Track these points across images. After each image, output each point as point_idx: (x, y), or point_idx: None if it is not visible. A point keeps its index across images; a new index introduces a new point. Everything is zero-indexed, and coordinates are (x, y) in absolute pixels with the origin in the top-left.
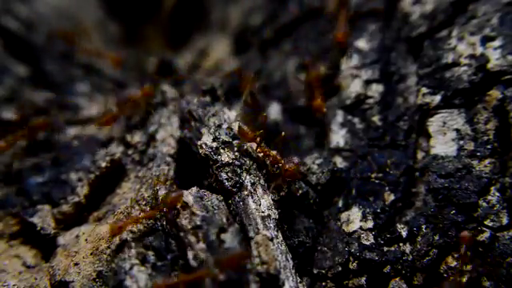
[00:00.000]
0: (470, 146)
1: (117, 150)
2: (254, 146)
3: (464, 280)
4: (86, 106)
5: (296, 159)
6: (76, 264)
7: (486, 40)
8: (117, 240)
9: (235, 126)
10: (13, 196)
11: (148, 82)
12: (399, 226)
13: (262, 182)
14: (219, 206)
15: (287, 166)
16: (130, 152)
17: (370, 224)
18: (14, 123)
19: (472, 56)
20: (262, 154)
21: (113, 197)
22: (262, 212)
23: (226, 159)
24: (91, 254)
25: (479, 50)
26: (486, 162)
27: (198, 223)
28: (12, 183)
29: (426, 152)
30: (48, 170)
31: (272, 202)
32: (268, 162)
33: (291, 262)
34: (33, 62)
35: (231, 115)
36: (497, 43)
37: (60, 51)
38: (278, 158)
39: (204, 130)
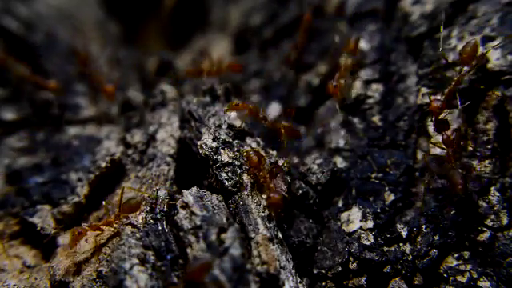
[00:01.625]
0: (470, 146)
1: (117, 149)
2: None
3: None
4: (85, 106)
5: (283, 188)
6: (76, 264)
7: (485, 40)
8: (117, 240)
9: (236, 125)
10: (13, 196)
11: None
12: (399, 225)
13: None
14: (219, 206)
15: (271, 195)
16: (130, 152)
17: (370, 224)
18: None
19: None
20: (262, 179)
21: (113, 197)
22: (262, 212)
23: (226, 159)
24: (91, 253)
25: (479, 49)
26: (486, 162)
27: (198, 223)
28: (12, 183)
29: (425, 152)
30: (48, 170)
31: None
32: (265, 186)
33: (291, 262)
34: (33, 62)
35: (231, 115)
36: (497, 43)
37: (60, 51)
38: (271, 186)
39: (204, 130)
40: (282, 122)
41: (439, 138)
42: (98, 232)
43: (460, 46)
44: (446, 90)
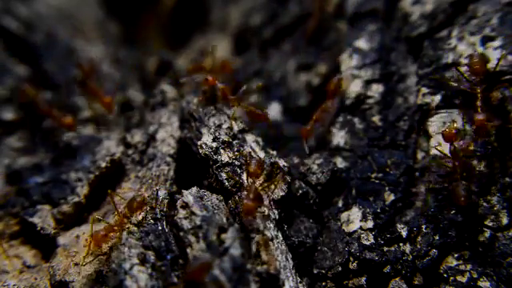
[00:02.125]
0: (471, 146)
1: (117, 149)
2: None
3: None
4: (85, 106)
5: (255, 199)
6: (76, 264)
7: (485, 40)
8: (117, 240)
9: (236, 125)
10: (13, 196)
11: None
12: (399, 225)
13: (261, 181)
14: (219, 206)
15: (245, 202)
16: (130, 152)
17: (370, 224)
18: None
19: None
20: (248, 185)
21: (113, 197)
22: (262, 212)
23: (226, 159)
24: (91, 253)
25: (479, 50)
26: (486, 162)
27: (198, 223)
28: (12, 183)
29: (425, 152)
30: (48, 170)
31: (272, 202)
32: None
33: (291, 262)
34: (33, 62)
35: (231, 115)
36: (497, 43)
37: (60, 51)
38: (251, 195)
39: (204, 130)
40: (247, 103)
41: (446, 147)
42: (113, 233)
43: (460, 47)
44: (479, 104)
